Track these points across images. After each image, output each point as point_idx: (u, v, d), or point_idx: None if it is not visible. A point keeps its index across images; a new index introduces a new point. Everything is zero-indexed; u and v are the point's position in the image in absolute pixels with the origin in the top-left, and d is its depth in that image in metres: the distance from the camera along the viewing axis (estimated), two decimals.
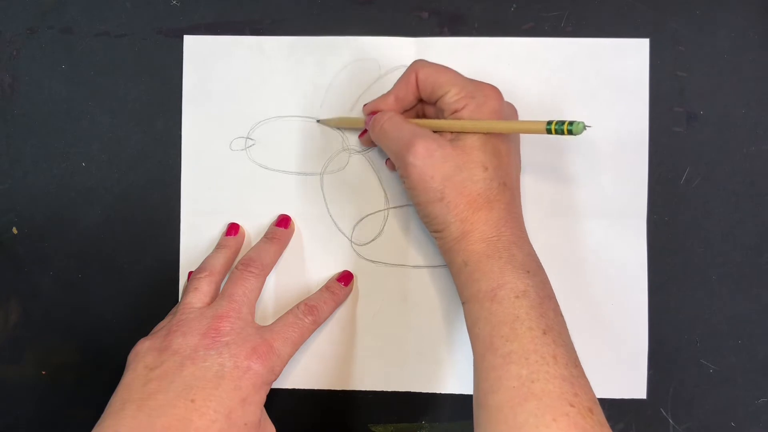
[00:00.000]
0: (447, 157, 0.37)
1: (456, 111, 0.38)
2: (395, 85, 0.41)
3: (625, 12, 0.45)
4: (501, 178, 0.38)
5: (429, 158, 0.37)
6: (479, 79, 0.39)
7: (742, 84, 0.44)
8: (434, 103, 0.40)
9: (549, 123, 0.35)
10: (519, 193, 0.40)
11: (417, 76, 0.40)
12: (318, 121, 0.45)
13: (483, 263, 0.37)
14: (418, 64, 0.40)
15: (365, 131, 0.43)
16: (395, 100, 0.41)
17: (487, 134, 0.38)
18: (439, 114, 0.40)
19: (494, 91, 0.39)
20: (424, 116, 0.42)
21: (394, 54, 0.45)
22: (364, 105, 0.42)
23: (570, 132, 0.34)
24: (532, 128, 0.36)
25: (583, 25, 0.45)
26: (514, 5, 0.45)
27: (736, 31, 0.44)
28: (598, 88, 0.44)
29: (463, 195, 0.37)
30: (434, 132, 0.39)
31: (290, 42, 0.45)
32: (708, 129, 0.44)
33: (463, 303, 0.38)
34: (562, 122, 0.34)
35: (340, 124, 0.45)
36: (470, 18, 0.45)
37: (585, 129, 0.34)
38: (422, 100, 0.41)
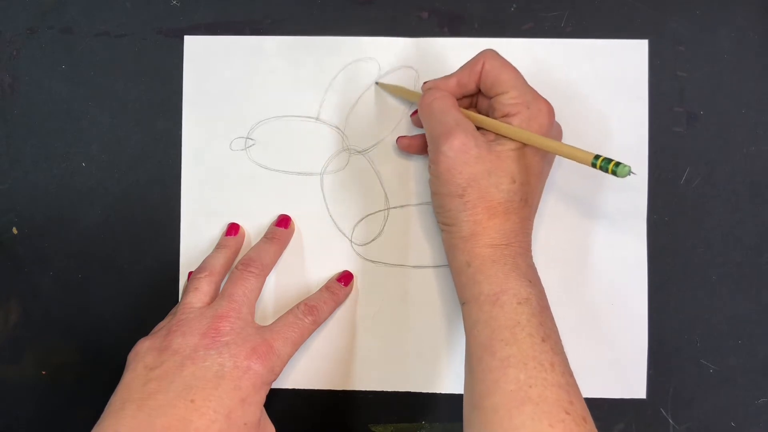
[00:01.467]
0: (481, 158, 0.37)
1: (507, 115, 0.38)
2: (460, 68, 0.40)
3: (625, 12, 0.45)
4: (525, 194, 0.38)
5: (463, 154, 0.37)
6: None
7: (742, 84, 0.44)
8: (490, 98, 0.40)
9: (596, 157, 0.35)
10: (536, 211, 0.40)
11: (483, 66, 0.39)
12: (377, 83, 0.45)
13: (487, 267, 0.37)
14: (488, 55, 0.39)
15: (417, 111, 0.42)
16: (457, 83, 0.40)
17: (525, 148, 0.38)
18: (490, 111, 0.40)
19: (549, 107, 0.39)
20: (476, 107, 0.42)
21: (394, 54, 0.45)
22: (425, 82, 0.42)
23: (614, 173, 0.34)
24: (578, 156, 0.36)
25: (583, 25, 0.45)
26: (514, 5, 0.45)
27: (736, 31, 0.44)
28: (598, 88, 0.44)
29: (484, 199, 0.37)
30: (477, 128, 0.39)
31: (290, 42, 0.45)
32: (708, 129, 0.44)
33: (462, 303, 0.38)
34: (609, 160, 0.34)
35: (396, 92, 0.44)
36: (470, 18, 0.45)
37: (630, 174, 0.34)
38: (480, 91, 0.41)
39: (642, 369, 0.44)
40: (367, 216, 0.45)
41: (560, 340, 0.36)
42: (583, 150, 0.36)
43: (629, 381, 0.44)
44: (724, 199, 0.44)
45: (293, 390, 0.45)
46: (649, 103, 0.44)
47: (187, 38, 0.45)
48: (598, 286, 0.44)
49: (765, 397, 0.44)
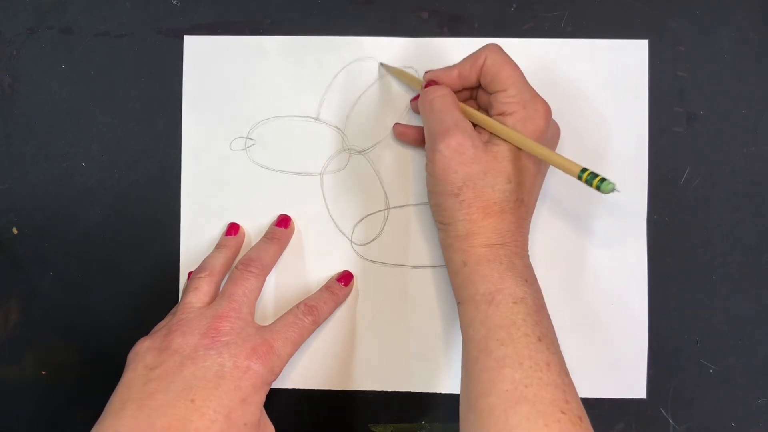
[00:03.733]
0: (477, 159, 0.37)
1: (503, 113, 0.38)
2: (462, 61, 0.40)
3: (625, 12, 0.45)
4: (521, 194, 0.38)
5: (459, 154, 0.37)
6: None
7: (742, 84, 0.44)
8: (489, 94, 0.40)
9: (583, 170, 0.35)
10: (533, 211, 0.40)
11: (485, 61, 0.39)
12: (381, 63, 0.45)
13: (482, 266, 0.37)
14: (490, 49, 0.39)
15: (417, 96, 0.43)
16: (458, 75, 0.40)
17: (521, 149, 0.38)
18: (489, 106, 0.40)
19: (546, 108, 0.38)
20: (476, 100, 0.42)
21: (394, 54, 0.45)
22: (427, 71, 0.42)
23: (598, 188, 0.34)
24: (566, 167, 0.36)
25: (583, 25, 0.45)
26: (514, 5, 0.45)
27: (736, 31, 0.44)
28: (598, 88, 0.44)
29: (480, 199, 0.37)
30: (475, 127, 0.39)
31: (290, 42, 0.45)
32: (708, 129, 0.44)
33: (458, 303, 0.38)
34: (595, 175, 0.34)
35: (399, 76, 0.44)
36: (470, 18, 0.45)
37: (613, 191, 0.34)
38: (480, 85, 0.41)
39: (642, 369, 0.44)
40: (367, 216, 0.45)
41: (556, 340, 0.36)
42: (572, 161, 0.36)
43: (629, 381, 0.44)
44: (724, 199, 0.44)
45: (293, 390, 0.45)
46: (649, 103, 0.44)
47: (187, 38, 0.45)
48: (598, 286, 0.44)
49: (765, 397, 0.44)
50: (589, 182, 0.35)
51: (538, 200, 0.44)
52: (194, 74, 0.45)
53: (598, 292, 0.44)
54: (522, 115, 0.38)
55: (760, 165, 0.44)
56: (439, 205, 0.39)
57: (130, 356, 0.38)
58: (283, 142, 0.45)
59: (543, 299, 0.38)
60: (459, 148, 0.37)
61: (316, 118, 0.45)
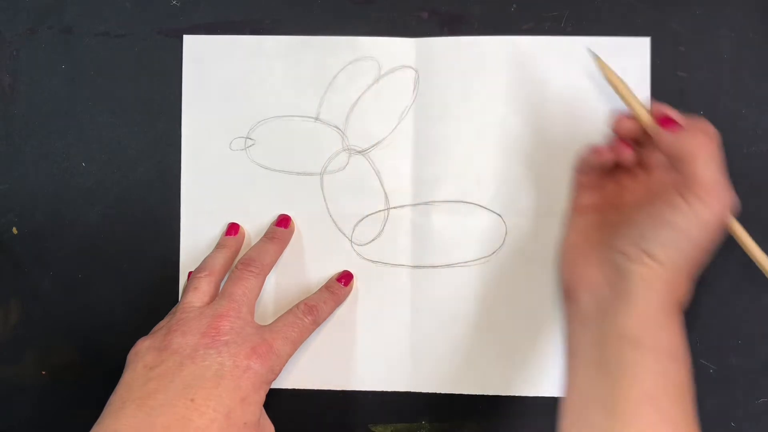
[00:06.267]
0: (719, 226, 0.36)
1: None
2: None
3: (626, 12, 0.44)
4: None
5: (727, 217, 0.37)
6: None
7: (742, 84, 0.44)
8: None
9: None
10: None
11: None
12: (596, 57, 0.41)
13: (675, 317, 0.36)
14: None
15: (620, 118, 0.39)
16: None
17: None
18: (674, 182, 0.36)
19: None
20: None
21: (394, 54, 0.45)
22: (656, 103, 0.38)
23: None
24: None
25: (583, 25, 0.45)
26: (514, 5, 0.45)
27: (736, 31, 0.44)
28: (599, 87, 0.44)
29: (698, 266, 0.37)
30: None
31: (290, 42, 0.45)
32: None
33: (627, 340, 0.35)
34: None
35: (615, 83, 0.40)
36: (470, 18, 0.45)
37: None
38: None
39: None
40: (367, 216, 0.45)
41: None
42: None
43: None
44: None
45: (293, 390, 0.45)
46: (650, 103, 0.44)
47: (187, 38, 0.45)
48: None
49: (765, 397, 0.44)
50: None
51: (538, 201, 0.44)
52: (194, 74, 0.45)
53: None
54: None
55: (760, 165, 0.44)
56: (692, 249, 0.36)
57: (130, 356, 0.38)
58: (283, 142, 0.45)
59: None
60: (726, 212, 0.36)
61: (316, 118, 0.45)
